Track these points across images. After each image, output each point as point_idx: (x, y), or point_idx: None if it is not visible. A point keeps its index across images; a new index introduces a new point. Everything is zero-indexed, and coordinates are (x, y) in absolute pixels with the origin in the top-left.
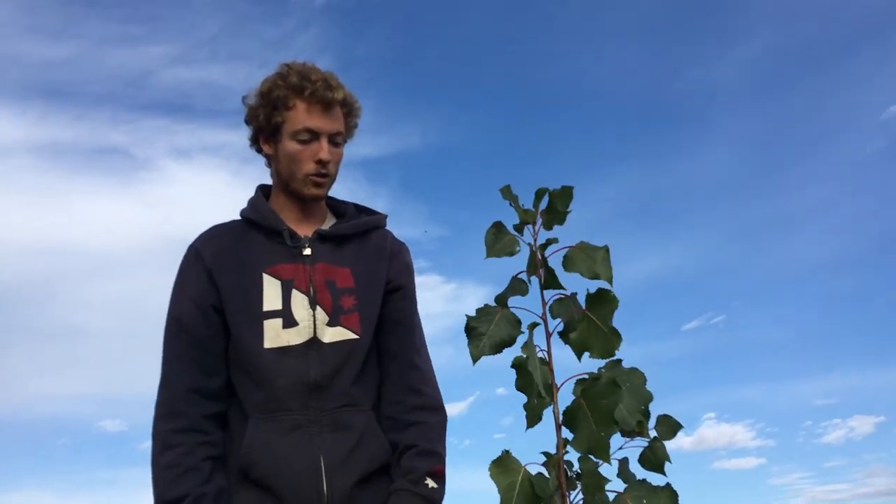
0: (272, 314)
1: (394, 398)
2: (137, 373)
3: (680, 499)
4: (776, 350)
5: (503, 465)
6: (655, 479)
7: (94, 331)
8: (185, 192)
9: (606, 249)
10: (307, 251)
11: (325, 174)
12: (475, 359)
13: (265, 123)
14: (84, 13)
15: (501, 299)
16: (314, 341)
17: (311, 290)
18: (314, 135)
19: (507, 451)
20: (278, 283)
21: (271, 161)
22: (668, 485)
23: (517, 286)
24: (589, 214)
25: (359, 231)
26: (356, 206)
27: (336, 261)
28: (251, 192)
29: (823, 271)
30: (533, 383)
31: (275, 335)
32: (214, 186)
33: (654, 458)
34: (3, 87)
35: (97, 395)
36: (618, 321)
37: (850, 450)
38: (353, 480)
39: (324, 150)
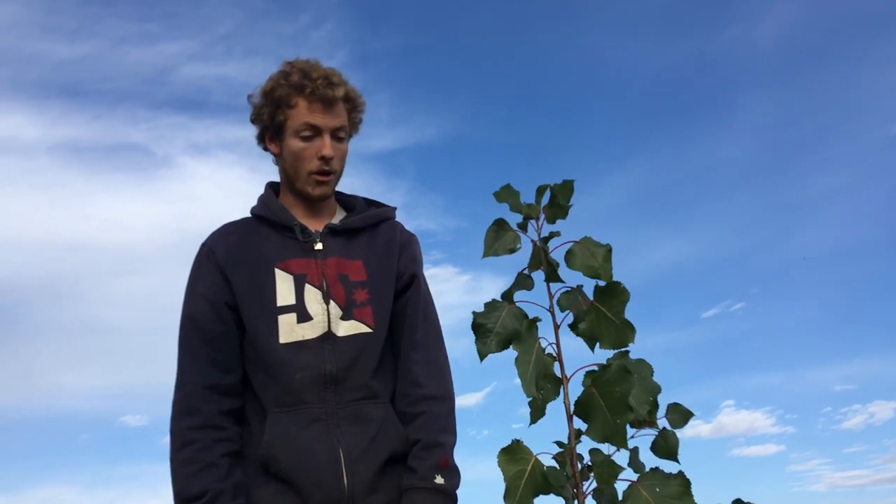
0: (286, 309)
1: (401, 391)
2: (158, 368)
3: (698, 486)
4: (795, 336)
5: (512, 454)
6: (667, 466)
7: (115, 326)
8: (202, 188)
9: (608, 248)
10: (318, 246)
11: (329, 171)
12: (482, 356)
13: (269, 122)
14: (101, 12)
15: (508, 295)
16: (329, 335)
17: (324, 284)
18: (316, 131)
19: (517, 441)
20: (291, 277)
21: (277, 159)
22: (680, 472)
23: (523, 281)
24: (608, 203)
25: (369, 224)
26: (365, 199)
27: (348, 254)
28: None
29: (843, 257)
30: (525, 376)
31: (289, 330)
32: (232, 182)
33: (667, 446)
34: (23, 87)
35: (118, 391)
36: (638, 310)
37: (870, 435)
38: (373, 471)
39: (326, 146)
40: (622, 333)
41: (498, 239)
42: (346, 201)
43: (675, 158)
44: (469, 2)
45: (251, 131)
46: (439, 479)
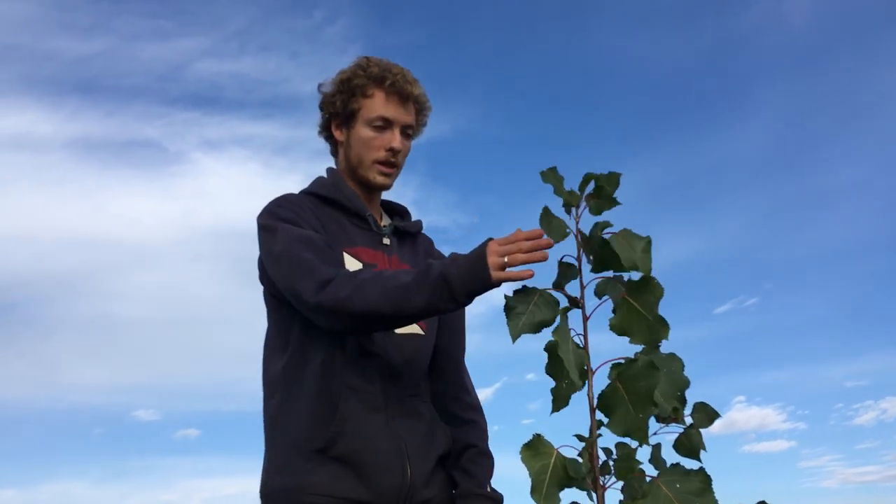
0: None
1: (452, 394)
2: (170, 363)
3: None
4: (808, 332)
5: (535, 449)
6: (688, 463)
7: (128, 321)
8: (215, 184)
9: (648, 241)
10: (387, 241)
11: (394, 163)
12: (515, 337)
13: (341, 109)
14: (115, 9)
15: (558, 286)
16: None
17: None
18: (388, 124)
19: (538, 435)
20: (360, 265)
21: (340, 147)
22: (701, 468)
23: (567, 271)
24: (621, 198)
25: (416, 231)
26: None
27: (402, 256)
28: (282, 182)
29: (856, 252)
30: (563, 368)
31: None
32: (245, 177)
33: (690, 445)
34: (37, 84)
35: (131, 385)
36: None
37: (881, 432)
38: (429, 465)
39: (396, 139)
40: (655, 330)
41: (549, 229)
42: (387, 204)
43: (687, 154)
44: None
45: (264, 127)
46: (489, 489)
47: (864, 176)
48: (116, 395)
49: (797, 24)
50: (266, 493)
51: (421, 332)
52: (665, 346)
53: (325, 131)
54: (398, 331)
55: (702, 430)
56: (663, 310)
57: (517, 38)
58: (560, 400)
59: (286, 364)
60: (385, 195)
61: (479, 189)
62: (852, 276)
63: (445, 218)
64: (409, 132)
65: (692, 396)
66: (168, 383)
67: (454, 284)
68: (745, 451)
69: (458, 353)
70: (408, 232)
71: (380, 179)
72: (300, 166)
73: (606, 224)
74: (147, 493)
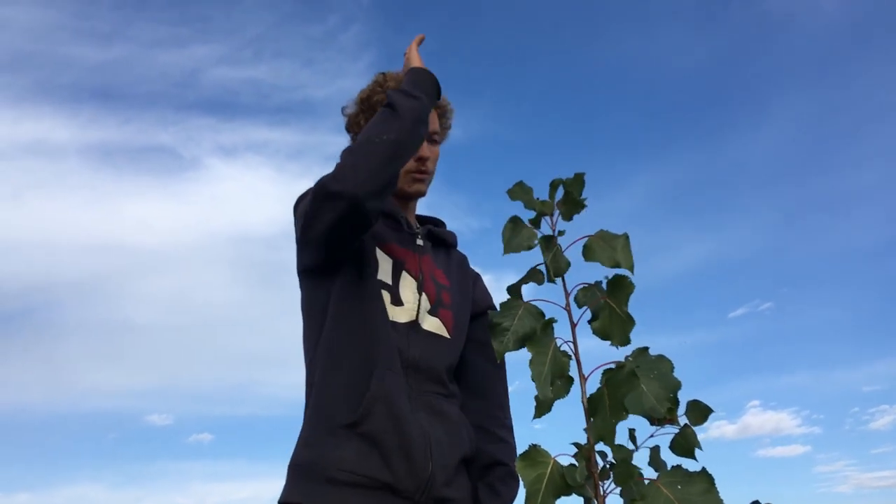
0: (383, 285)
1: (487, 411)
2: (184, 367)
3: (722, 487)
4: (824, 336)
5: (530, 459)
6: (690, 465)
7: (142, 326)
8: (230, 189)
9: (626, 237)
10: (420, 242)
11: (425, 171)
12: (500, 355)
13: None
14: (133, 16)
15: (514, 289)
16: (415, 324)
17: (421, 276)
18: None
19: (534, 445)
20: (390, 260)
21: None
22: (703, 469)
23: (533, 275)
24: (636, 202)
25: (451, 242)
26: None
27: (435, 260)
28: (295, 188)
29: (872, 256)
30: (540, 377)
31: (385, 307)
32: (258, 183)
33: (686, 444)
34: (55, 90)
35: (145, 390)
36: (664, 309)
37: None
38: (452, 465)
39: (424, 147)
40: (625, 326)
41: (515, 236)
42: (423, 218)
43: (704, 157)
44: (494, 1)
45: (278, 133)
46: None
47: (879, 180)
48: (131, 400)
49: (817, 27)
50: (292, 465)
51: (446, 335)
52: (677, 349)
53: None
54: (425, 327)
55: (715, 436)
56: (678, 313)
57: (529, 43)
58: (543, 407)
59: (325, 346)
60: (420, 210)
61: (491, 194)
62: (868, 281)
63: (458, 223)
64: (434, 138)
65: (708, 399)
66: (182, 388)
67: (418, 82)
68: (759, 456)
69: (498, 373)
70: (443, 241)
71: (414, 187)
72: (314, 171)
73: (561, 233)
74: (161, 496)
